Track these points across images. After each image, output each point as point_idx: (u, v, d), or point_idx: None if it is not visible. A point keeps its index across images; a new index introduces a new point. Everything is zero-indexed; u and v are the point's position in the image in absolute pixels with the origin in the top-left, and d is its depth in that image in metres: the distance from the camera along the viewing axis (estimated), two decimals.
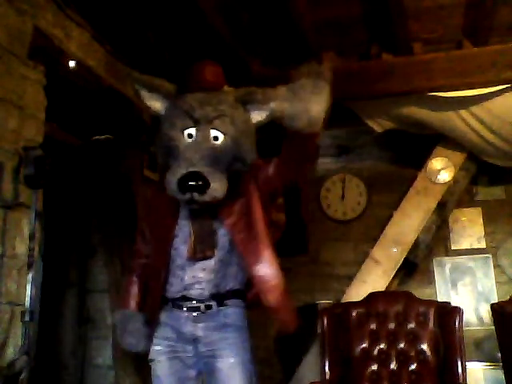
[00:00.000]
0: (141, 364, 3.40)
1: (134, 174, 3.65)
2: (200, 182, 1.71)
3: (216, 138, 1.80)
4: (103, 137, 2.45)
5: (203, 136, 1.79)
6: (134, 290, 2.02)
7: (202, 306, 1.88)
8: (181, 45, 3.25)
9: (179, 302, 1.89)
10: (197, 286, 1.88)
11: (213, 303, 1.88)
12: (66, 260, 3.55)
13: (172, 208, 1.91)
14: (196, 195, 1.72)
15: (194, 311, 1.88)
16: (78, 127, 3.17)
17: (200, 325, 1.88)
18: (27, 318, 2.18)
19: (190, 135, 1.80)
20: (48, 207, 2.62)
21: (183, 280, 1.88)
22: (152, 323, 1.92)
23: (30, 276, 2.24)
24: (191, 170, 1.73)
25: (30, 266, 2.26)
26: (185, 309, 1.89)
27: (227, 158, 1.81)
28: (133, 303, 2.00)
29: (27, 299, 2.22)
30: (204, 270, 1.87)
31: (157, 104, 1.91)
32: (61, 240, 3.51)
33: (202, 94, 1.85)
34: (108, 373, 3.36)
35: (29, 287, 2.23)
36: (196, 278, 1.88)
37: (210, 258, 1.86)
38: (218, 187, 1.74)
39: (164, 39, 3.22)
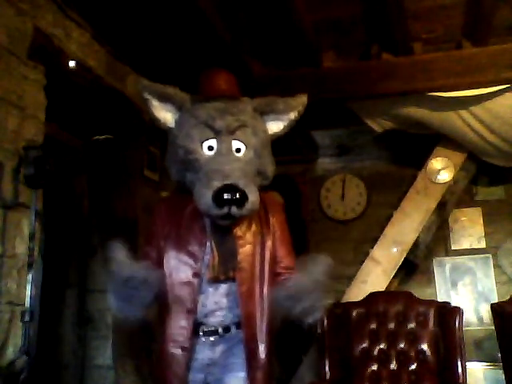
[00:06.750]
0: (141, 364, 3.40)
1: (134, 174, 3.65)
2: (238, 195, 1.56)
3: (238, 150, 1.69)
4: (103, 137, 2.45)
5: (226, 148, 1.65)
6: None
7: (220, 329, 1.73)
8: (181, 46, 3.24)
9: (195, 327, 1.73)
10: (218, 312, 1.73)
11: (232, 326, 1.75)
12: (66, 260, 3.54)
13: (198, 227, 1.74)
14: (234, 209, 1.57)
15: (212, 335, 1.73)
16: (78, 127, 3.17)
17: (218, 348, 1.74)
18: (27, 318, 2.17)
19: (210, 147, 1.67)
20: (48, 207, 2.62)
21: (205, 306, 1.72)
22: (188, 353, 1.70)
23: (30, 276, 2.23)
24: (227, 182, 1.57)
25: (30, 266, 2.25)
26: (201, 333, 1.73)
27: (251, 171, 1.69)
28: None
29: (27, 299, 2.21)
30: (228, 295, 1.73)
31: (168, 116, 1.75)
32: (61, 240, 3.51)
33: (221, 102, 1.70)
34: (108, 373, 3.36)
35: (29, 287, 2.22)
36: (218, 304, 1.73)
37: (232, 279, 1.71)
38: (254, 199, 1.62)
39: (164, 40, 3.22)
